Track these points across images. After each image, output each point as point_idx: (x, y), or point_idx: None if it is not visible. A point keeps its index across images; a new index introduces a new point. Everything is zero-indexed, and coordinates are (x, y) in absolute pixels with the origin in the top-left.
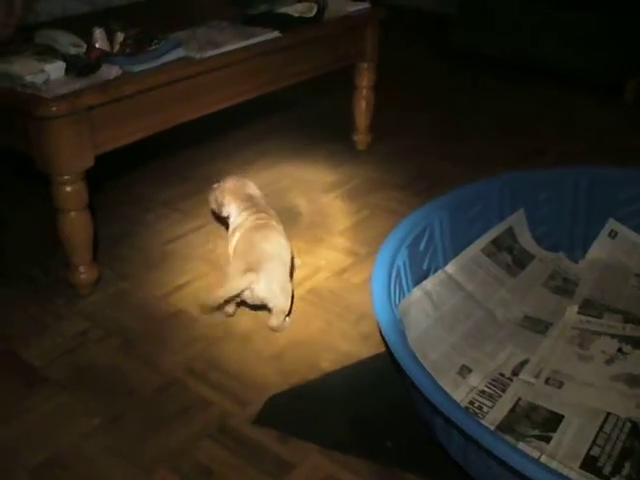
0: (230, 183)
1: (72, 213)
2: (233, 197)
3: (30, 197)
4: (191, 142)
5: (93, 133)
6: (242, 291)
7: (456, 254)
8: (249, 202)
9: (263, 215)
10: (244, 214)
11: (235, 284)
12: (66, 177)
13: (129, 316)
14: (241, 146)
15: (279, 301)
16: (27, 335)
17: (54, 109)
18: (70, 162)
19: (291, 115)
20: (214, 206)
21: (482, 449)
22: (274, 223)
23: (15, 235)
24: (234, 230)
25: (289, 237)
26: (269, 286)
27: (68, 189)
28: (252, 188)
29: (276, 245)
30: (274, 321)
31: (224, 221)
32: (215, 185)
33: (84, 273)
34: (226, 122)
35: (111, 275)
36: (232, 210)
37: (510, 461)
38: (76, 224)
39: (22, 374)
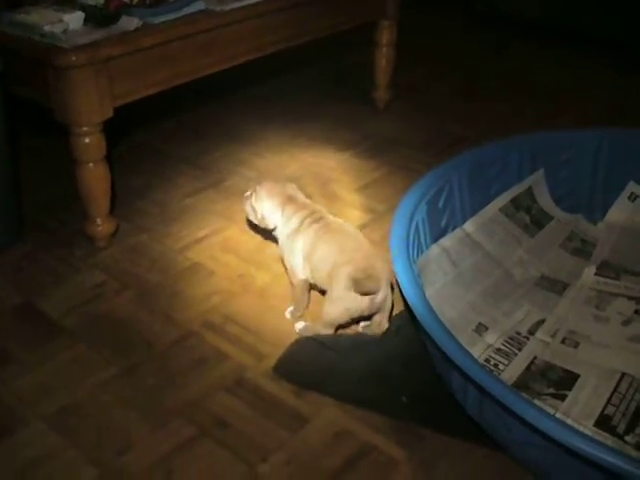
0: (265, 190)
1: (90, 164)
2: (274, 205)
3: (47, 150)
4: (208, 98)
5: (112, 84)
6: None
7: (474, 213)
8: (294, 204)
9: (316, 214)
10: (295, 219)
11: (359, 305)
12: (85, 128)
13: (146, 269)
14: (258, 103)
15: (389, 299)
16: (44, 287)
17: (73, 59)
18: (89, 113)
19: (309, 73)
20: (253, 218)
21: (498, 405)
22: (330, 216)
23: (32, 188)
24: (291, 237)
25: (308, 195)
26: (387, 289)
27: (86, 140)
28: (290, 188)
29: (358, 236)
30: (384, 323)
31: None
32: (247, 193)
33: (101, 225)
34: (243, 78)
35: (129, 228)
36: (278, 220)
37: (526, 416)
38: (94, 175)
39: (39, 325)
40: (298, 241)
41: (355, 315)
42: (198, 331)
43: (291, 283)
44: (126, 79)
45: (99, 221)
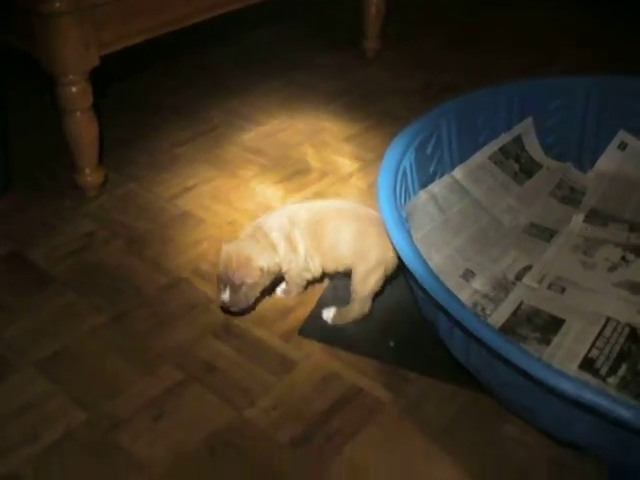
0: (246, 249)
1: (77, 113)
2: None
3: (35, 103)
4: (195, 48)
5: (97, 32)
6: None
7: (463, 160)
8: (262, 235)
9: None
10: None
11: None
12: (71, 77)
13: (136, 218)
14: (246, 53)
15: None
16: (34, 237)
17: (57, 5)
18: (74, 61)
19: (297, 22)
20: (257, 291)
21: (484, 347)
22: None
23: (21, 140)
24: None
25: (297, 144)
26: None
27: (73, 89)
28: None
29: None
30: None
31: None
32: (225, 247)
33: (90, 175)
34: (232, 28)
35: (118, 178)
36: (279, 256)
37: (512, 358)
38: (81, 124)
39: (29, 274)
40: (296, 233)
41: (389, 274)
42: (187, 278)
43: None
44: (112, 27)
45: (88, 171)
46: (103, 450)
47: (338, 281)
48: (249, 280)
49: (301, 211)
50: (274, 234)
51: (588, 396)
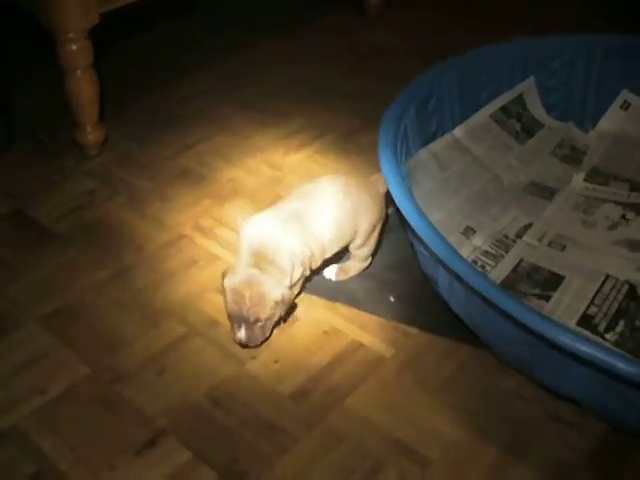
0: (255, 283)
1: (78, 72)
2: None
3: (38, 66)
4: (198, 7)
5: None
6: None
7: (464, 119)
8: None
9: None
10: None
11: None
12: (71, 35)
13: (136, 175)
14: (246, 12)
15: None
16: (35, 195)
17: None
18: (75, 19)
19: None
20: (281, 309)
21: (484, 301)
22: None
23: (23, 101)
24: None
25: (297, 101)
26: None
27: (73, 47)
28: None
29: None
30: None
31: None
32: (230, 284)
33: (91, 133)
34: None
35: (119, 136)
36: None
37: (511, 311)
38: (82, 82)
39: (31, 232)
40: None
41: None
42: (188, 234)
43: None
44: None
45: (88, 129)
46: (107, 403)
47: None
48: (264, 315)
49: (285, 212)
50: (281, 259)
51: (585, 349)
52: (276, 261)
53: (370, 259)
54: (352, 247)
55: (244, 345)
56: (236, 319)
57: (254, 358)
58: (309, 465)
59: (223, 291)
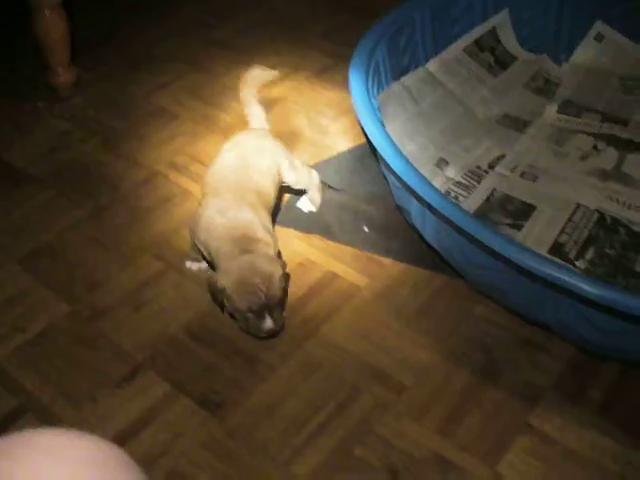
0: (259, 267)
1: (46, 12)
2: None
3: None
4: None
5: None
6: None
7: (437, 53)
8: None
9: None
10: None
11: None
12: None
13: (111, 116)
14: None
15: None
16: (9, 139)
17: None
18: None
19: None
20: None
21: (456, 229)
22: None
23: None
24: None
25: (270, 39)
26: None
27: None
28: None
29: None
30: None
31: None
32: (230, 281)
33: (63, 75)
34: None
35: (92, 77)
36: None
37: (482, 238)
38: (51, 22)
39: (6, 175)
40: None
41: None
42: (163, 171)
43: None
44: None
45: (60, 70)
46: (86, 339)
47: None
48: (280, 293)
49: (232, 186)
50: (263, 234)
51: (551, 272)
52: (260, 237)
53: (318, 178)
54: (292, 183)
55: (274, 333)
56: (257, 311)
57: None
58: (286, 393)
59: (221, 294)
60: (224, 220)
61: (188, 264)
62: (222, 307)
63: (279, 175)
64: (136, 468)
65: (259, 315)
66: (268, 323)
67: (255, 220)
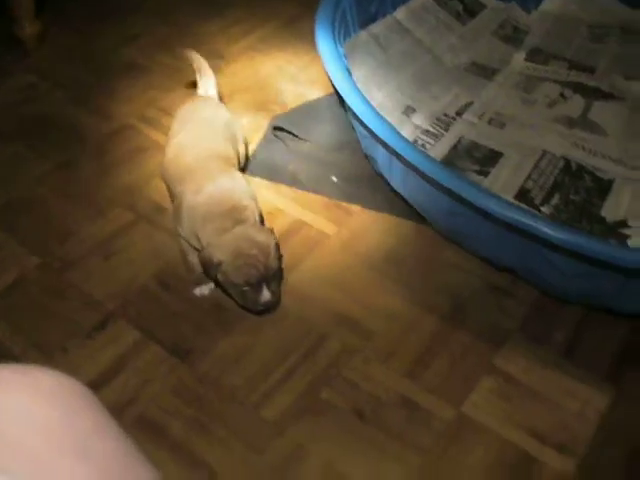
0: (253, 237)
1: None
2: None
3: None
4: None
5: None
6: None
7: (405, 1)
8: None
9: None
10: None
11: None
12: None
13: (80, 69)
14: None
15: None
16: None
17: None
18: None
19: None
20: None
21: (421, 176)
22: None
23: None
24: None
25: None
26: None
27: None
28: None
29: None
30: None
31: None
32: (225, 253)
33: (29, 27)
34: None
35: (59, 30)
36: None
37: (448, 184)
38: None
39: None
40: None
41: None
42: (134, 124)
43: None
44: None
45: (25, 23)
46: (57, 290)
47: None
48: (276, 263)
49: (189, 163)
50: (248, 201)
51: (518, 218)
52: (246, 204)
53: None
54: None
55: (272, 306)
56: (255, 283)
57: None
58: (256, 338)
59: (215, 270)
60: (204, 198)
61: (197, 291)
62: (216, 282)
63: (235, 139)
64: (97, 402)
65: (257, 288)
66: (266, 295)
67: (235, 186)
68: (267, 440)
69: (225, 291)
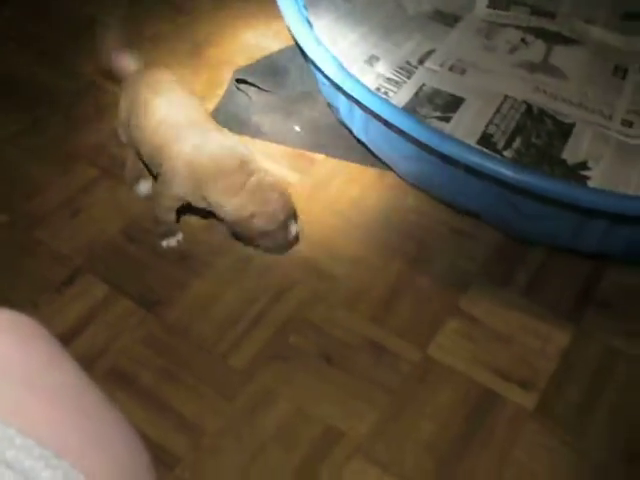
0: (272, 186)
1: None
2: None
3: None
4: None
5: None
6: None
7: None
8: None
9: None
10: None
11: None
12: None
13: (43, 27)
14: None
15: None
16: None
17: None
18: None
19: None
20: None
21: (382, 123)
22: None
23: None
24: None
25: None
26: None
27: None
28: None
29: None
30: None
31: None
32: (252, 205)
33: None
34: None
35: None
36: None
37: (408, 130)
38: None
39: None
40: None
41: None
42: (99, 82)
43: None
44: None
45: None
46: (25, 247)
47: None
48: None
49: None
50: (246, 151)
51: (476, 159)
52: (250, 158)
53: None
54: None
55: (295, 241)
56: (286, 223)
57: None
58: (223, 287)
59: (247, 222)
60: (207, 156)
61: (165, 243)
62: (237, 237)
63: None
64: (51, 338)
65: (285, 227)
66: (293, 230)
67: (233, 142)
68: (237, 387)
69: (247, 241)
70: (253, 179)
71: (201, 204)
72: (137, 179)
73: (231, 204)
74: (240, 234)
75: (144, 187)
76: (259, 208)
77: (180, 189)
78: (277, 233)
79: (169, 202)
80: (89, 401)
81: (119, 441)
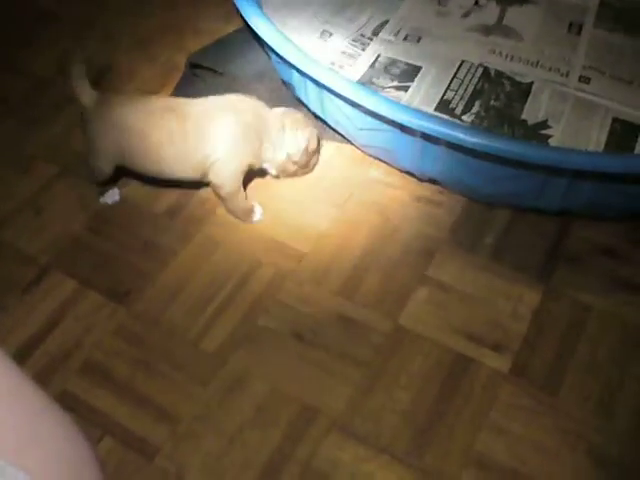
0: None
1: None
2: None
3: None
4: None
5: None
6: None
7: None
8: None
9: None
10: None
11: None
12: None
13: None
14: None
15: None
16: None
17: None
18: None
19: None
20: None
21: (335, 96)
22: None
23: None
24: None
25: None
26: None
27: None
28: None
29: None
30: None
31: None
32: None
33: None
34: None
35: None
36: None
37: (363, 102)
38: None
39: None
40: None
41: None
42: (51, 78)
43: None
44: None
45: None
46: None
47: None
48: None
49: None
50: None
51: (431, 125)
52: (276, 113)
53: None
54: None
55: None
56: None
57: (126, 185)
58: (189, 274)
59: (306, 153)
60: (249, 119)
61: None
62: (306, 164)
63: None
64: None
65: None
66: (322, 146)
67: (251, 99)
68: (210, 371)
69: (296, 172)
70: (288, 120)
71: (257, 163)
72: (105, 191)
73: (297, 139)
74: (298, 163)
75: (110, 198)
76: (309, 137)
77: (247, 158)
78: (315, 151)
79: (238, 182)
80: (26, 400)
81: (61, 437)
